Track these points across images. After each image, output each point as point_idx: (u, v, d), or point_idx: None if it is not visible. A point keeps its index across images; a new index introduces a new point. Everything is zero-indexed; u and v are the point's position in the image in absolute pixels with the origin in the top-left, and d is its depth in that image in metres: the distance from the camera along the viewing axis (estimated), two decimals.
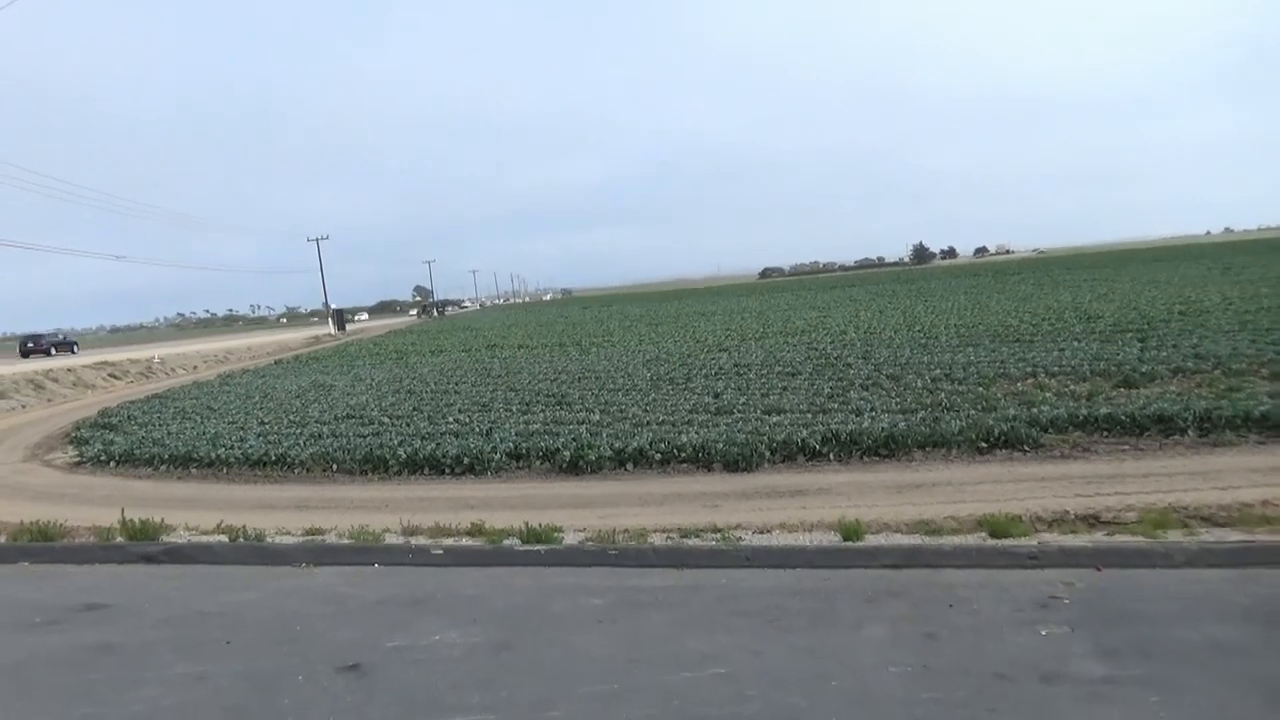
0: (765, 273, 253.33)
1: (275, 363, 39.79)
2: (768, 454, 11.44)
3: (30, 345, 61.09)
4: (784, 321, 37.07)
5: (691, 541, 7.57)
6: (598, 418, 15.45)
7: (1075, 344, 20.31)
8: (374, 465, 13.20)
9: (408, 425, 16.38)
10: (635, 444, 12.17)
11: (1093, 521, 7.68)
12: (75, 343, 62.88)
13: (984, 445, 11.13)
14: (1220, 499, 7.97)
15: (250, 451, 14.59)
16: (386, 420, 17.29)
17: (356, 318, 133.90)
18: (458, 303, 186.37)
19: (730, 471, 11.19)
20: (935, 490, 9.37)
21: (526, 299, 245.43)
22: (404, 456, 13.03)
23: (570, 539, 8.03)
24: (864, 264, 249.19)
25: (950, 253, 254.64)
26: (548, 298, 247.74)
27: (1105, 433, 11.45)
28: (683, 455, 11.77)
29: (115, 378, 35.79)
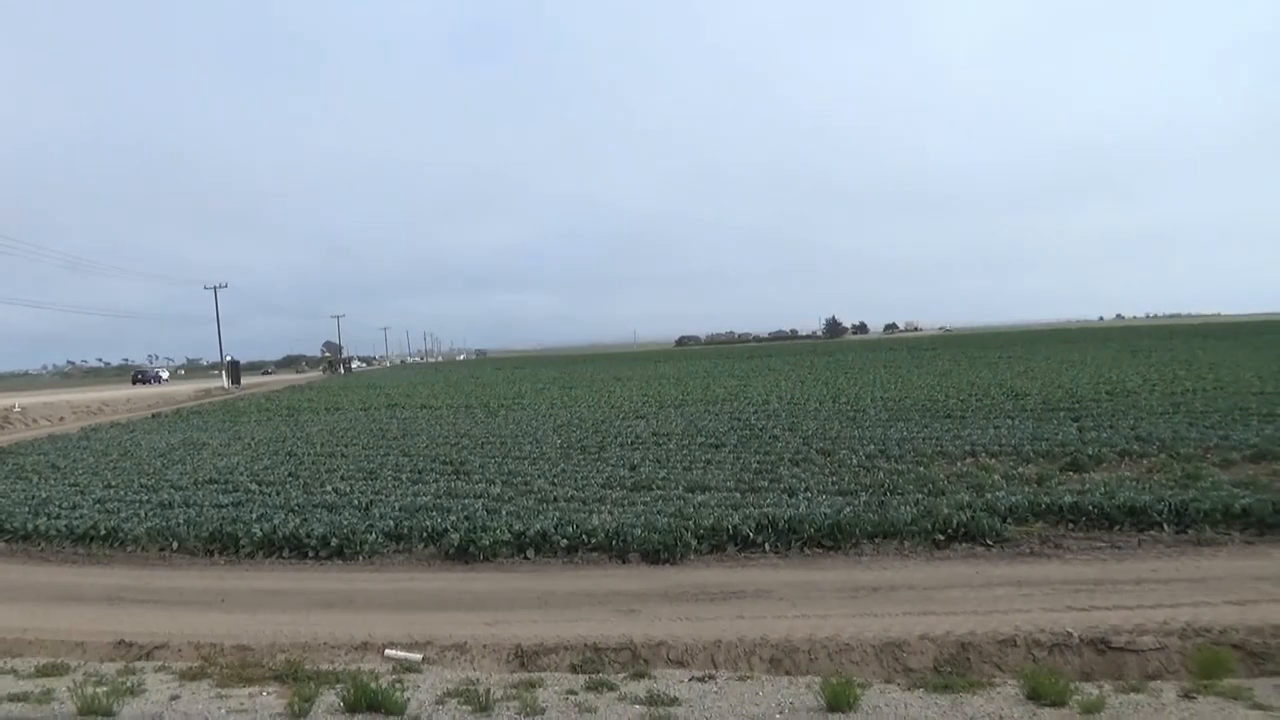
0: (682, 341, 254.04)
1: (152, 416, 36.45)
2: (694, 542, 9.72)
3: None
4: (703, 389, 35.71)
5: (603, 706, 5.29)
6: (498, 490, 13.55)
7: (1009, 421, 19.35)
8: (223, 545, 11.02)
9: (277, 494, 14.18)
10: (538, 526, 10.31)
11: (1102, 648, 6.17)
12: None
13: (940, 538, 9.66)
14: (1244, 618, 6.57)
15: (77, 523, 12.18)
16: (254, 487, 15.01)
17: (303, 366, 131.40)
18: (367, 360, 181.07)
19: (650, 563, 9.42)
20: (896, 596, 7.78)
21: (440, 358, 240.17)
22: (259, 535, 10.88)
23: (426, 690, 5.70)
24: (778, 335, 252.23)
25: (861, 328, 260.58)
26: (461, 358, 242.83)
27: (1071, 524, 10.15)
28: (593, 542, 9.96)
29: None
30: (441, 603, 8.31)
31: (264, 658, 6.63)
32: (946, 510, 10.09)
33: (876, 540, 9.75)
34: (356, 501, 12.95)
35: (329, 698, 5.45)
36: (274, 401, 42.27)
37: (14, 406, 37.91)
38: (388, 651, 6.75)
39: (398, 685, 5.51)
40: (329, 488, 14.49)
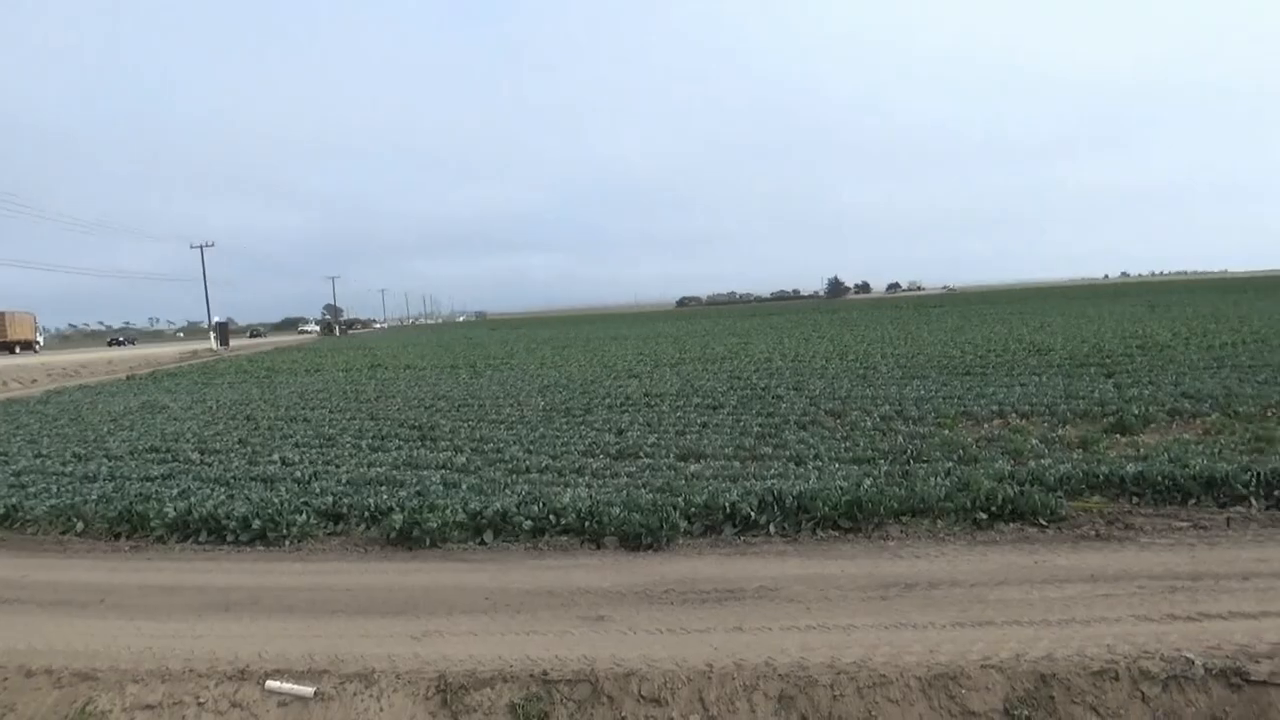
0: (683, 301, 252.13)
1: (127, 378, 34.77)
2: (683, 524, 8.03)
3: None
4: (702, 347, 33.94)
5: None
6: (464, 459, 11.87)
7: (1035, 378, 17.63)
8: (132, 526, 9.34)
9: (219, 464, 12.51)
10: (498, 505, 8.62)
11: (1237, 682, 4.49)
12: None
13: (983, 516, 7.96)
14: None
15: None
16: (195, 456, 13.34)
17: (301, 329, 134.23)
18: (366, 322, 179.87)
19: (629, 550, 7.74)
20: (937, 598, 6.08)
21: (440, 320, 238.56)
22: (172, 515, 9.20)
23: None
24: (780, 296, 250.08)
25: (864, 287, 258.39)
26: (460, 320, 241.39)
27: (1135, 499, 8.45)
28: (563, 523, 8.27)
29: None
30: (366, 605, 6.64)
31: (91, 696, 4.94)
32: (989, 483, 8.39)
33: (904, 519, 8.05)
34: (300, 473, 11.28)
35: None
36: (256, 363, 40.56)
37: None
38: (270, 684, 5.10)
39: None
40: (276, 457, 12.81)
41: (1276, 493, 8.13)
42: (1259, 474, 8.30)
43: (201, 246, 68.83)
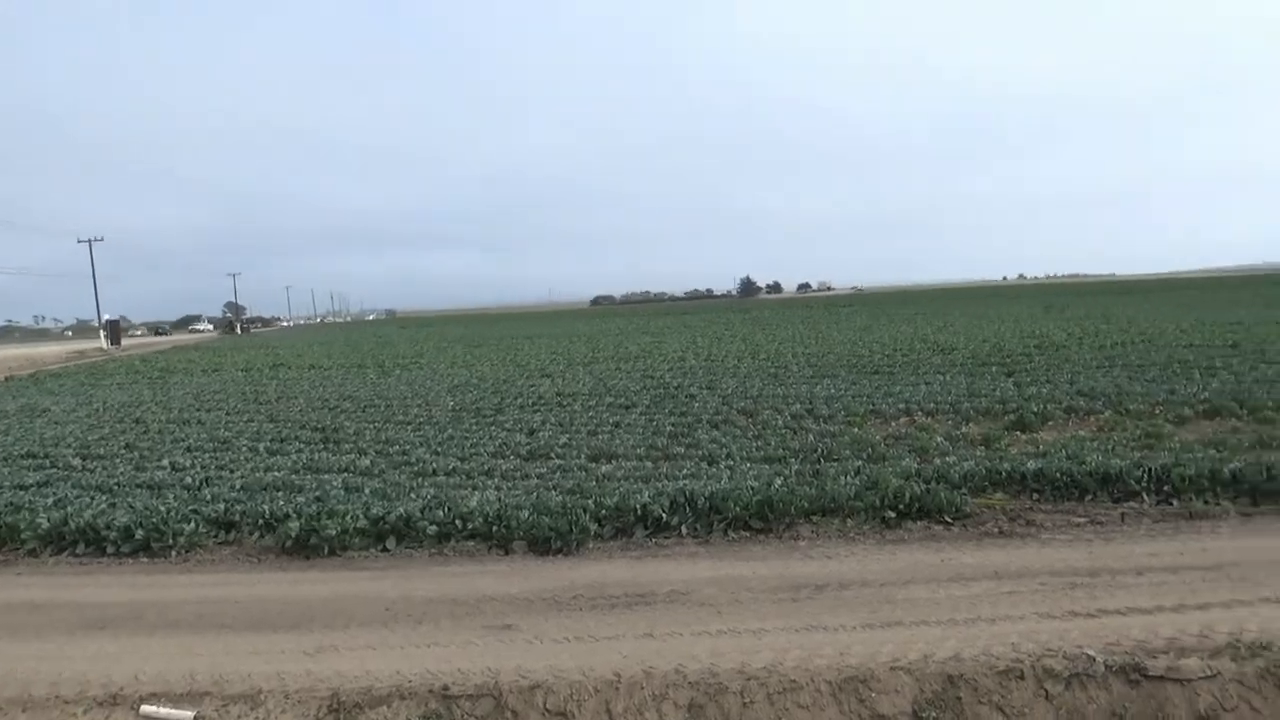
0: (597, 300, 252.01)
1: (5, 380, 32.74)
2: (594, 527, 7.87)
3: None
4: (616, 346, 33.83)
5: None
6: (368, 462, 11.47)
7: (940, 377, 18.04)
8: None
9: (102, 470, 11.80)
10: (402, 510, 8.29)
11: (1135, 677, 4.55)
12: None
13: (891, 515, 8.02)
14: None
15: None
16: (76, 463, 12.56)
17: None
18: (270, 320, 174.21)
19: (538, 554, 7.53)
20: (847, 599, 6.06)
21: (348, 318, 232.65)
22: (46, 526, 8.58)
23: None
24: (693, 295, 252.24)
25: (775, 287, 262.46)
26: (371, 318, 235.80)
27: (1036, 495, 8.65)
28: (470, 528, 8.01)
29: None
30: (257, 618, 6.27)
31: None
32: (896, 481, 8.46)
33: (815, 519, 8.06)
34: (191, 479, 10.71)
35: None
36: (149, 363, 38.71)
37: None
38: (145, 708, 4.73)
39: None
40: (166, 462, 12.17)
41: (1166, 488, 8.42)
42: (1150, 470, 8.60)
43: (90, 241, 65.57)
